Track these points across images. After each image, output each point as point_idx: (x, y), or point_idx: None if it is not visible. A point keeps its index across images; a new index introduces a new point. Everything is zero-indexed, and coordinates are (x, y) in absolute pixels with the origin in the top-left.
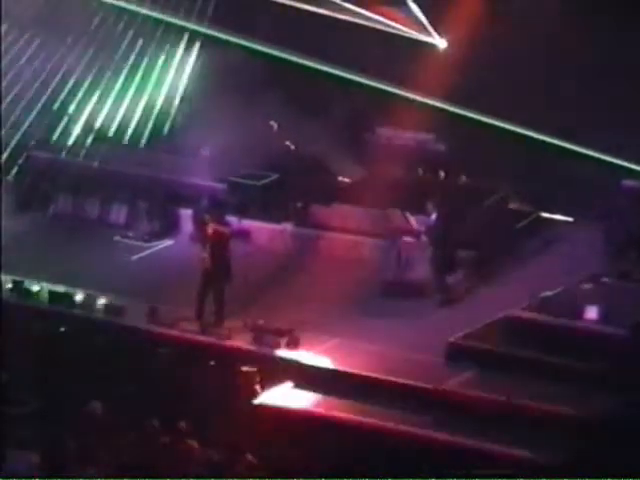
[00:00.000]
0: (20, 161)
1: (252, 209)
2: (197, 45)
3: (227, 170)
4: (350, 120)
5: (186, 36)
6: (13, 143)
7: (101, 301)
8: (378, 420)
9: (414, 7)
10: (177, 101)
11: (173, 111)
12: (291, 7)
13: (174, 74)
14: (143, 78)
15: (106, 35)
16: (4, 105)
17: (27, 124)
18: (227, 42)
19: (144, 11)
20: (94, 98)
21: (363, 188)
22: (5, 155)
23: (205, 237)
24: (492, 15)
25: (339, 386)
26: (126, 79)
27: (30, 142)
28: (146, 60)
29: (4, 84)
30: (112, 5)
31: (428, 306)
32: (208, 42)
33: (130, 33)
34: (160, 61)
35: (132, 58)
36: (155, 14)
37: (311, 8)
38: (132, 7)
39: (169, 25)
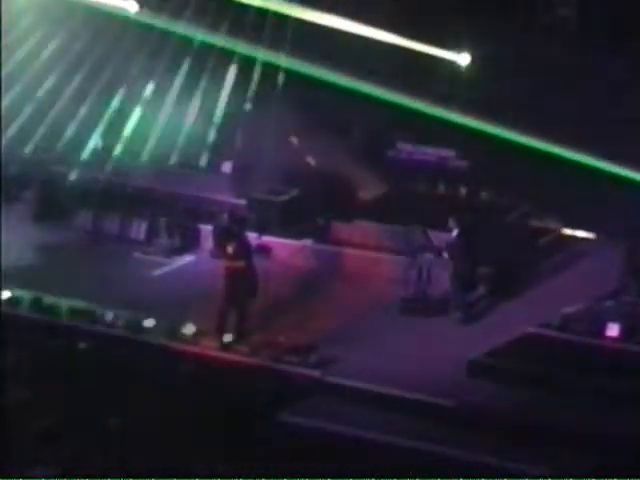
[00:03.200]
0: (41, 176)
1: (272, 225)
2: (219, 61)
3: (247, 186)
4: (371, 136)
5: (208, 53)
6: (34, 158)
7: (121, 317)
8: (398, 436)
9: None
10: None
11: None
12: (312, 23)
13: (194, 90)
14: (166, 96)
15: (129, 52)
16: (24, 119)
17: (48, 139)
18: (249, 58)
19: (167, 29)
20: (115, 115)
21: (384, 204)
22: (25, 171)
23: (229, 258)
24: (515, 31)
25: (359, 402)
26: (149, 96)
27: (50, 157)
28: (169, 78)
29: (25, 98)
30: (136, 22)
31: (449, 323)
32: (230, 58)
33: (153, 50)
34: (182, 79)
35: (154, 76)
36: (178, 31)
37: (332, 24)
38: (159, 25)
39: (189, 41)
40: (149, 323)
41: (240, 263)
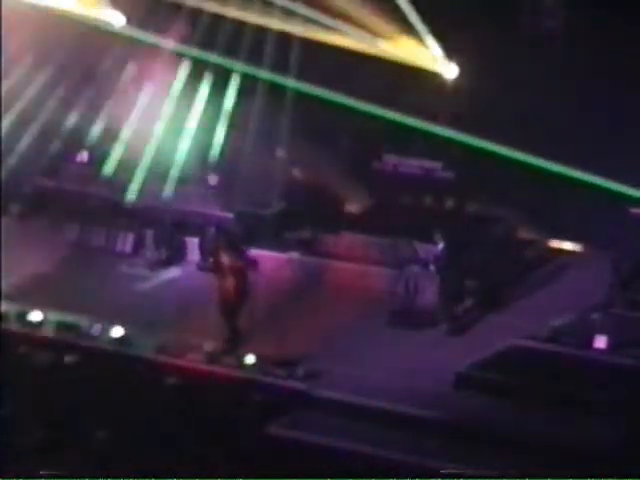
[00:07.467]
0: (26, 189)
1: (259, 238)
2: (206, 74)
3: (234, 199)
4: (357, 148)
5: (193, 65)
6: (19, 170)
7: (108, 331)
8: (385, 449)
9: (425, 35)
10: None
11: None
12: (298, 36)
13: (181, 103)
14: (152, 107)
15: (116, 65)
16: (10, 132)
17: (33, 152)
18: (235, 71)
19: (148, 40)
20: (102, 128)
21: (370, 217)
22: (10, 183)
23: (220, 268)
24: (501, 44)
25: (347, 416)
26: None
27: (36, 170)
28: (153, 90)
29: (11, 111)
30: (118, 35)
31: (436, 335)
32: (215, 71)
33: (140, 64)
34: (168, 92)
35: (141, 90)
36: (159, 44)
37: (318, 37)
38: (139, 37)
39: (176, 54)
40: (134, 336)
41: (240, 263)
